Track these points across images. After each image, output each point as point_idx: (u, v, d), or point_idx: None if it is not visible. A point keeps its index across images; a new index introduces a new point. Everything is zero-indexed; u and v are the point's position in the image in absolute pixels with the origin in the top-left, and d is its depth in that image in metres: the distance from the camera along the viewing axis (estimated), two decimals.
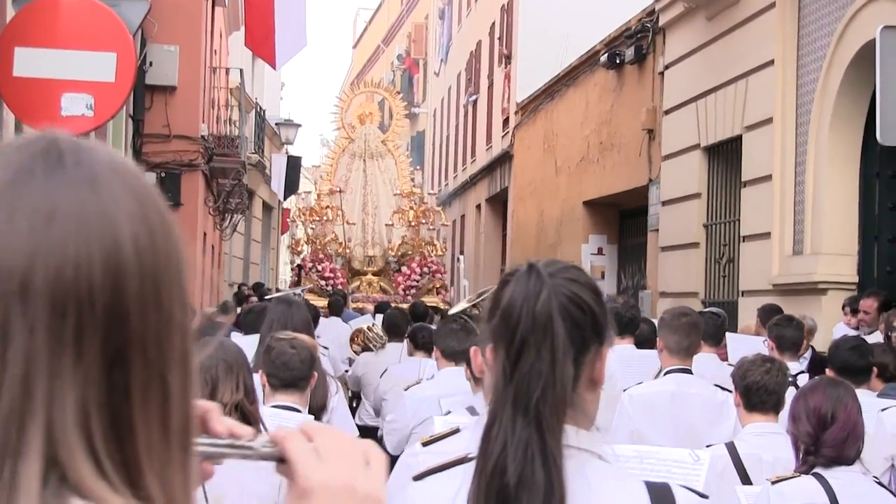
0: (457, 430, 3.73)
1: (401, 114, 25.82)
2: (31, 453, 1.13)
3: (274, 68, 19.73)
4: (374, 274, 22.89)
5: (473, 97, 35.24)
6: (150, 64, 17.73)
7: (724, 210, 15.76)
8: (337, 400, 6.88)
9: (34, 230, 1.15)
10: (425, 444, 3.87)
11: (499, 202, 31.66)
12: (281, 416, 5.26)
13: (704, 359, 8.48)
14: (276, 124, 39.56)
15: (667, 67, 17.41)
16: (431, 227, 23.32)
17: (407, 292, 21.96)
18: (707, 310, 11.81)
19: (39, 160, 1.20)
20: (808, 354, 10.28)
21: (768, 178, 13.72)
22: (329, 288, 21.29)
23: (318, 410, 6.39)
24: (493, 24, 32.12)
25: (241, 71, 22.99)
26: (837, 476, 4.64)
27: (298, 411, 5.53)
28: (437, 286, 22.18)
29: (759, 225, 13.98)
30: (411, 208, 22.93)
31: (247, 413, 4.45)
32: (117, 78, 7.32)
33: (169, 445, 1.22)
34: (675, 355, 6.91)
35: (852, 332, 10.48)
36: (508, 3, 29.92)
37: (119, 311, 1.17)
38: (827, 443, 4.68)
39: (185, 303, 1.25)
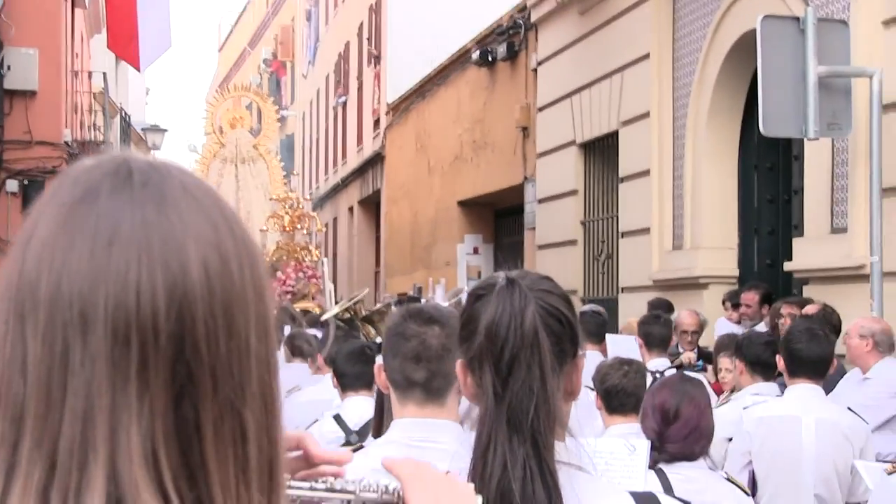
0: (361, 447, 3.65)
1: (272, 117, 25.48)
2: (93, 491, 1.06)
3: (139, 70, 19.27)
4: None
5: (343, 98, 34.85)
6: (8, 68, 17.11)
7: (601, 206, 15.60)
8: None
9: (94, 255, 1.08)
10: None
11: (371, 204, 31.32)
12: None
13: (588, 356, 8.47)
14: (143, 130, 38.94)
15: (540, 64, 17.20)
16: (307, 232, 23.07)
17: (282, 298, 21.70)
18: (587, 307, 11.71)
19: (107, 180, 1.13)
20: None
21: (646, 173, 13.58)
22: None
23: None
24: (362, 24, 31.75)
25: (105, 75, 22.32)
26: (678, 472, 4.64)
27: None
28: (313, 291, 21.87)
29: (638, 220, 13.84)
30: (286, 213, 22.66)
31: None
32: None
33: (248, 486, 1.13)
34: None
35: (735, 327, 10.46)
36: (376, 3, 29.59)
37: (186, 340, 1.09)
38: (670, 438, 4.69)
39: (268, 333, 1.17)
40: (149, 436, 1.07)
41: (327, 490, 1.33)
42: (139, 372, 1.07)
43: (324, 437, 5.80)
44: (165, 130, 39.77)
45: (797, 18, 9.37)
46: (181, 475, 1.09)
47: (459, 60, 21.56)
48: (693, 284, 12.51)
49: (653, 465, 4.64)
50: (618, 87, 14.43)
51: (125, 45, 17.89)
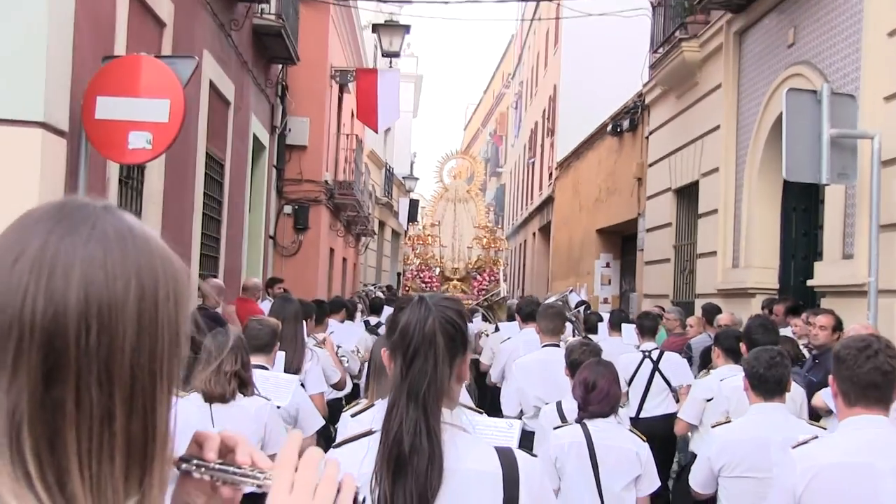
0: (372, 405, 3.66)
1: (481, 172, 24.93)
2: None
3: (375, 132, 18.84)
4: (458, 280, 22.18)
5: (532, 160, 33.96)
6: (289, 130, 16.80)
7: (686, 235, 14.29)
8: (311, 365, 6.22)
9: (3, 269, 0.93)
10: (353, 416, 3.75)
11: (546, 231, 30.25)
12: (269, 382, 5.03)
13: (615, 342, 8.96)
14: (403, 178, 38.66)
15: (651, 133, 15.98)
16: (498, 250, 22.64)
17: (480, 293, 21.28)
18: (616, 309, 11.02)
19: (44, 214, 0.97)
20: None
21: (716, 211, 12.27)
22: (428, 288, 20.48)
23: (294, 371, 5.90)
24: (545, 109, 30.81)
25: (357, 136, 21.92)
26: (596, 425, 4.62)
27: (266, 368, 5.24)
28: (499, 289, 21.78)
29: (709, 245, 12.54)
30: (485, 237, 22.27)
31: (242, 378, 4.45)
32: (170, 119, 6.30)
33: (112, 459, 0.93)
34: (547, 335, 7.00)
35: None
36: (553, 94, 28.62)
37: (57, 334, 0.91)
38: (591, 402, 4.63)
39: (155, 343, 0.95)
40: (14, 408, 0.90)
41: (241, 475, 1.06)
42: (14, 358, 0.91)
43: None
44: (417, 178, 39.55)
45: (815, 92, 8.02)
46: (43, 439, 0.91)
47: (600, 132, 20.38)
48: (745, 293, 11.16)
49: (579, 420, 4.66)
50: (699, 149, 13.15)
51: (368, 115, 17.51)
